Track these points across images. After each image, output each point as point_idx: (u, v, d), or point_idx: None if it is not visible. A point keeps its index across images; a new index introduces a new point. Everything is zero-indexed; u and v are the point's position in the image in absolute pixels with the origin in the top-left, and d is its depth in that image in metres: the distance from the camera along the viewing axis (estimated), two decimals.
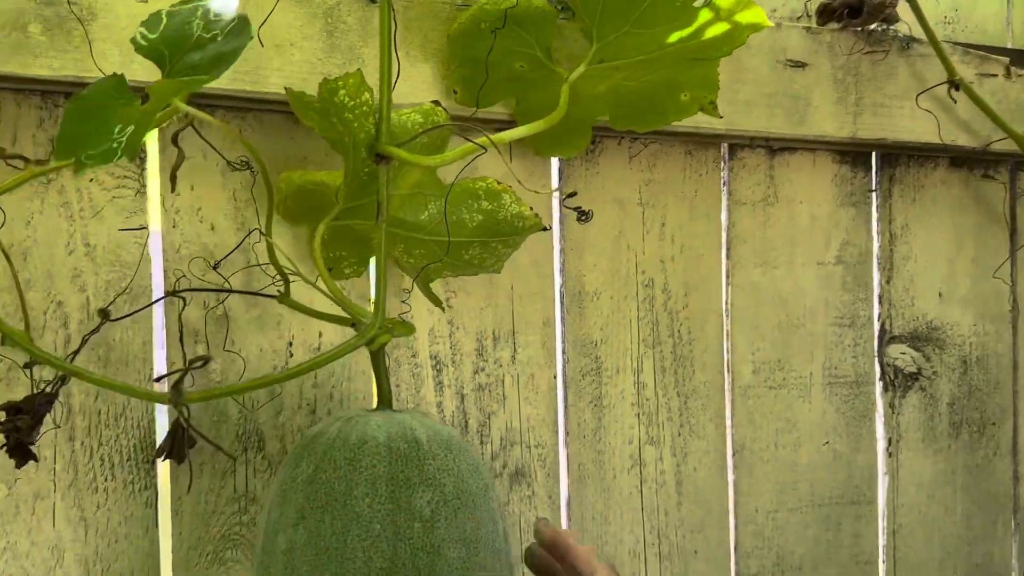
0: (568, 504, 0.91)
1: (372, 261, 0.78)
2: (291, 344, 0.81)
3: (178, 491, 0.77)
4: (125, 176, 0.75)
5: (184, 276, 0.75)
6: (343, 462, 0.59)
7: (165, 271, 0.77)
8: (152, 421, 0.77)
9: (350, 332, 0.82)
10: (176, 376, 0.64)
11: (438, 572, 0.57)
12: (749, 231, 0.97)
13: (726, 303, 0.96)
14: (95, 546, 0.75)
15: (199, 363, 0.66)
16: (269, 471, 0.80)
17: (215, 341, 0.78)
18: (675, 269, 0.94)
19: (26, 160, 0.66)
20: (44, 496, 0.74)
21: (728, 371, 0.96)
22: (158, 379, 0.74)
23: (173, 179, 0.67)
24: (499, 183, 0.72)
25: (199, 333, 0.77)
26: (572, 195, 0.75)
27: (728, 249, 0.96)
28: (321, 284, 0.70)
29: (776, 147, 0.98)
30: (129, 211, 0.75)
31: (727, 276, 0.96)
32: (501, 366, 0.88)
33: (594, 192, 0.90)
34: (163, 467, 0.77)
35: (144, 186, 0.76)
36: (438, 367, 0.86)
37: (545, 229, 0.74)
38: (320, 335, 0.82)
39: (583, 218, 0.71)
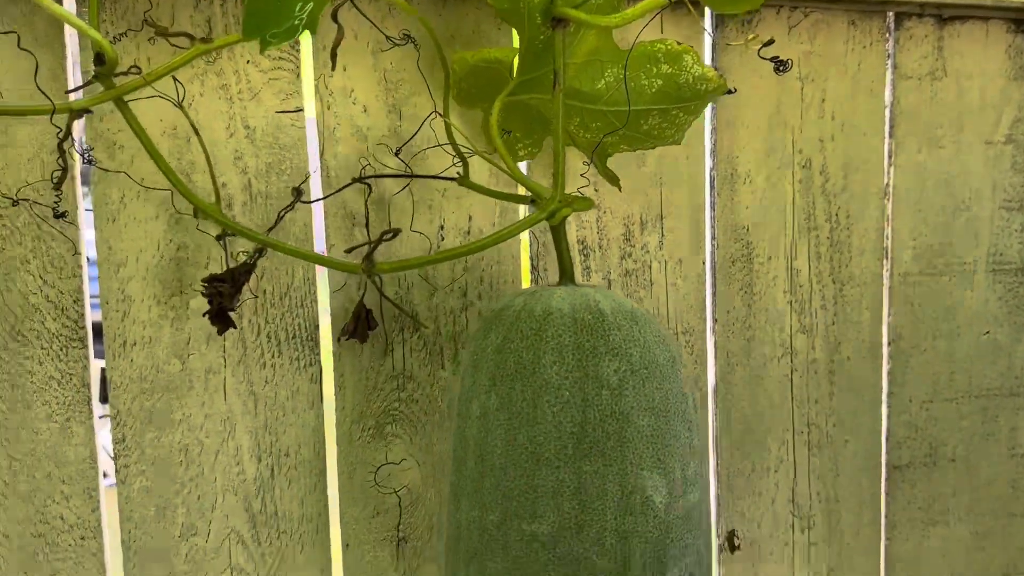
0: (715, 391, 0.90)
1: (546, 142, 0.76)
2: (442, 228, 0.81)
3: (341, 368, 0.80)
4: (280, 58, 0.75)
5: (369, 164, 0.76)
6: (529, 332, 0.59)
7: (321, 152, 0.77)
8: (314, 301, 0.79)
9: (501, 216, 0.82)
10: (362, 248, 0.65)
11: (628, 438, 0.57)
12: (914, 107, 0.91)
13: (887, 185, 0.91)
14: (264, 419, 0.78)
15: (389, 235, 0.67)
16: (424, 350, 0.81)
17: (372, 224, 0.78)
18: (834, 149, 0.89)
19: (191, 38, 0.67)
20: (215, 371, 0.77)
21: (887, 257, 0.92)
22: (348, 250, 0.75)
23: (333, 57, 0.67)
24: (679, 43, 0.67)
25: (356, 216, 0.78)
26: (770, 43, 0.69)
27: (891, 127, 0.91)
28: (496, 162, 0.68)
29: (946, 16, 0.91)
30: (286, 93, 0.76)
31: (889, 156, 0.91)
32: (648, 252, 0.87)
33: (750, 65, 0.86)
34: (326, 345, 0.79)
35: (299, 68, 0.76)
36: (585, 252, 0.85)
37: (730, 92, 0.70)
38: (470, 219, 0.81)
39: (781, 68, 0.66)
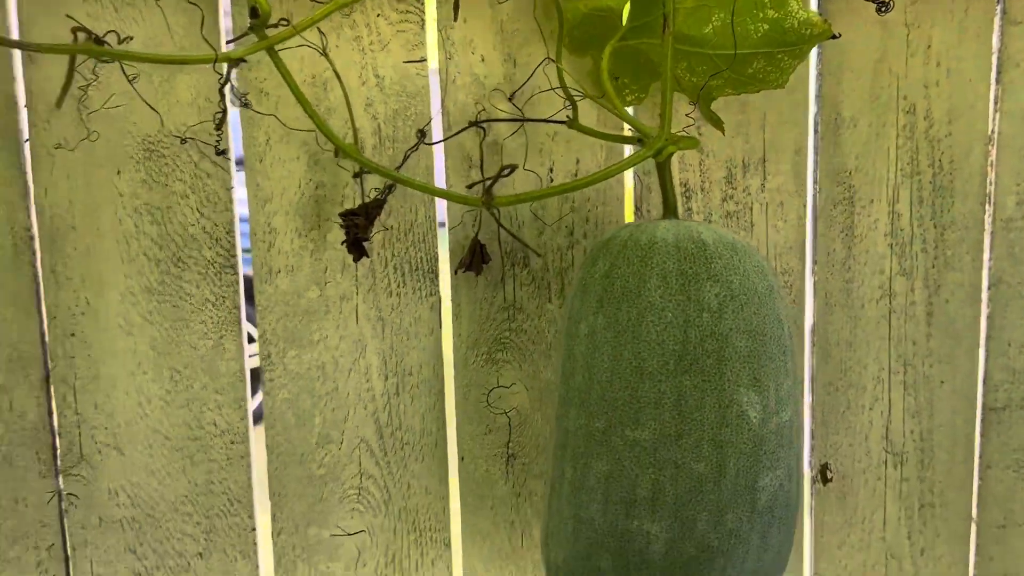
0: (813, 331, 0.94)
1: (652, 88, 0.81)
2: (551, 170, 0.86)
3: (457, 299, 0.87)
4: (408, 11, 0.82)
5: (484, 110, 0.82)
6: (635, 259, 0.65)
7: (443, 100, 0.84)
8: (434, 237, 0.86)
9: (607, 159, 0.87)
10: (483, 184, 0.71)
11: (726, 357, 0.62)
12: (1022, 53, 0.91)
13: (992, 131, 0.92)
14: (391, 342, 0.87)
15: (507, 171, 0.73)
16: (533, 285, 0.87)
17: (486, 165, 0.85)
18: (939, 94, 0.90)
19: None
20: (348, 298, 0.86)
21: (990, 203, 0.93)
22: (470, 187, 0.82)
23: (456, 8, 0.73)
24: None
25: (473, 159, 0.84)
26: None
27: (998, 73, 0.91)
28: (606, 105, 0.73)
29: None
30: (412, 44, 0.82)
31: (995, 102, 0.91)
32: (750, 194, 0.90)
33: (854, 12, 0.87)
34: (444, 277, 0.87)
35: (424, 20, 0.83)
36: (687, 194, 0.89)
37: (835, 37, 0.72)
38: (578, 161, 0.87)
39: (883, 8, 0.68)
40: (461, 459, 0.90)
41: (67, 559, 0.89)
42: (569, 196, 0.87)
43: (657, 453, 0.62)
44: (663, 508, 0.61)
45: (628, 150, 0.87)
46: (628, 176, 0.89)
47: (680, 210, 0.89)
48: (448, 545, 0.91)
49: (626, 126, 0.84)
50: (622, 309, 0.64)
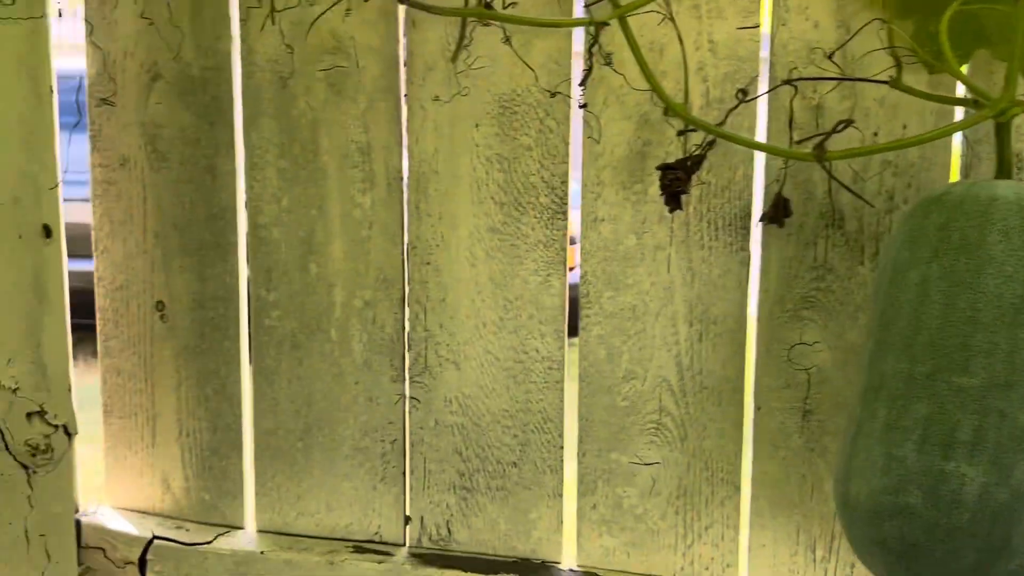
0: None
1: (974, 54, 0.80)
2: (876, 135, 0.87)
3: (767, 256, 0.91)
4: None
5: (796, 68, 0.86)
6: (975, 214, 0.68)
7: (772, 64, 0.88)
8: (750, 194, 0.91)
9: (935, 126, 0.86)
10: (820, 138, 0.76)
11: None
12: None
13: None
14: (698, 291, 0.93)
15: (841, 126, 0.77)
16: (846, 246, 0.90)
17: (806, 128, 0.87)
18: None
19: None
20: (663, 247, 0.93)
21: None
22: (799, 142, 0.86)
23: None
24: None
25: (796, 121, 0.87)
26: None
27: None
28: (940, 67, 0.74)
29: None
30: (746, 12, 0.87)
31: None
32: None
33: None
34: (756, 234, 0.91)
35: None
36: (1020, 164, 0.87)
37: None
38: (904, 128, 0.87)
39: None
40: (757, 408, 0.94)
41: (404, 453, 1.05)
42: (891, 162, 0.88)
43: (984, 400, 0.64)
44: (982, 453, 0.63)
45: (958, 117, 0.86)
46: (955, 144, 0.88)
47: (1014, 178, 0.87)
48: (738, 488, 0.96)
49: (960, 86, 0.83)
50: (959, 260, 0.67)
